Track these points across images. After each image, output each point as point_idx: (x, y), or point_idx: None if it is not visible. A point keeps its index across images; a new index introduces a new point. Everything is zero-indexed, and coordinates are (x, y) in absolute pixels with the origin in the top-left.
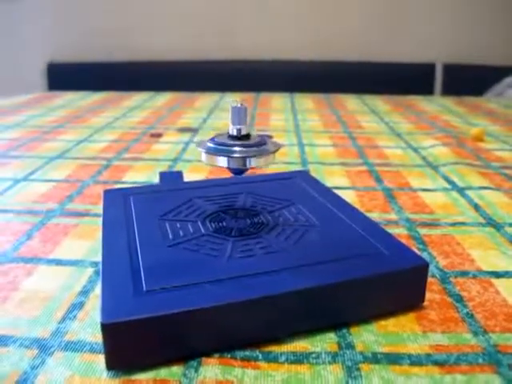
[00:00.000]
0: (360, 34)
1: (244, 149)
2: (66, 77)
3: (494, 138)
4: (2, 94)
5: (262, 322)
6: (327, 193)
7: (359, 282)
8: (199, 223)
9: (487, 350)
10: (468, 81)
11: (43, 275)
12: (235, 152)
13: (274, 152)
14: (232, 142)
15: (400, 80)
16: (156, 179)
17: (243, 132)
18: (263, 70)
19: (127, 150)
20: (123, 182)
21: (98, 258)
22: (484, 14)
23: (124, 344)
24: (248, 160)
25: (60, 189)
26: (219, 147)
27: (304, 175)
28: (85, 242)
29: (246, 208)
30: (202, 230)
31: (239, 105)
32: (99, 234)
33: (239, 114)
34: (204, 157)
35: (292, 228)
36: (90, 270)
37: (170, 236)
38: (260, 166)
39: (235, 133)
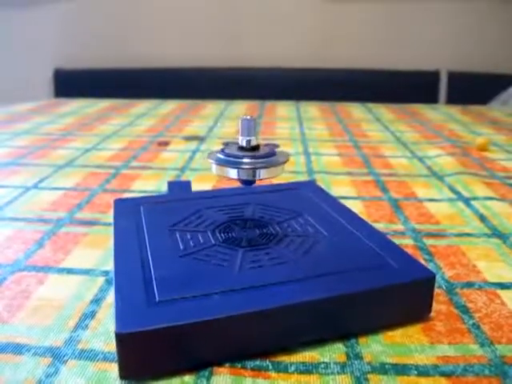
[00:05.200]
0: (364, 42)
1: (254, 160)
2: (72, 84)
3: (498, 148)
4: (10, 101)
5: (272, 333)
6: (335, 203)
7: (368, 294)
8: (209, 233)
9: (494, 361)
10: (473, 89)
11: (55, 284)
12: (245, 164)
13: (284, 163)
14: (242, 154)
15: (404, 88)
16: (164, 188)
17: (252, 143)
18: (269, 77)
19: (135, 159)
20: (132, 191)
21: (109, 267)
22: (490, 22)
23: (137, 353)
24: (258, 171)
25: (69, 197)
26: (229, 159)
27: (311, 185)
28: (95, 251)
29: (255, 219)
30: (212, 241)
31: (248, 117)
32: (109, 243)
33: (248, 126)
34: (214, 168)
35: (301, 239)
36: (100, 279)
37: (181, 246)
38: (269, 178)
39: (245, 144)
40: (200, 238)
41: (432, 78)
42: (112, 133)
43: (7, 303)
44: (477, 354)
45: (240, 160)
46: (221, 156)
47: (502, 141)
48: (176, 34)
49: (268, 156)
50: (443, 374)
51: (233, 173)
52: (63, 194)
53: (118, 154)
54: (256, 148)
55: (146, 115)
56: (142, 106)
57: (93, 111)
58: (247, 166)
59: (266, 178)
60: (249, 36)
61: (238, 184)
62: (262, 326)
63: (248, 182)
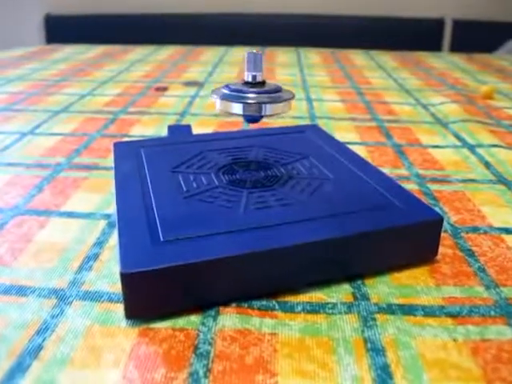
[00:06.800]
0: None
1: (259, 95)
2: (64, 30)
3: (504, 96)
4: None
5: (278, 273)
6: (339, 147)
7: (375, 235)
8: (212, 175)
9: (499, 302)
10: (478, 38)
11: (56, 227)
12: (250, 98)
13: (290, 99)
14: (247, 89)
15: (407, 35)
16: (164, 133)
17: (258, 79)
18: (268, 23)
19: (133, 104)
20: (131, 136)
21: (110, 210)
22: None
23: (143, 293)
24: (264, 106)
25: (67, 142)
26: (234, 93)
27: (315, 129)
28: (96, 195)
29: (259, 161)
30: (216, 182)
31: (255, 51)
32: (109, 187)
33: (255, 61)
34: (218, 103)
35: (306, 181)
36: (102, 223)
37: (184, 188)
38: (275, 114)
39: (250, 79)
40: (203, 179)
41: (436, 25)
42: (108, 78)
43: (9, 247)
44: (482, 296)
45: (245, 95)
46: (225, 91)
47: (507, 89)
48: None
49: (274, 91)
50: (449, 315)
51: (237, 108)
52: (61, 140)
53: (115, 99)
54: (262, 83)
55: (142, 61)
56: (138, 51)
57: (87, 57)
58: (252, 101)
59: (272, 114)
60: None
61: (238, 128)
62: (268, 265)
63: (253, 119)
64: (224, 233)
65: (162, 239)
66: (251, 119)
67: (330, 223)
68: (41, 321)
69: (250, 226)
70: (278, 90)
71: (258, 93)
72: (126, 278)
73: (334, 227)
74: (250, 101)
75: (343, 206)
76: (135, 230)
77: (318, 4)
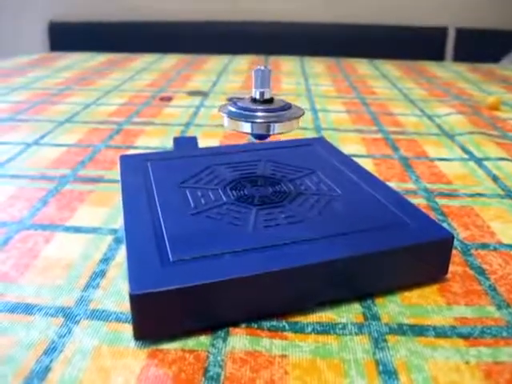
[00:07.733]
0: None
1: (268, 114)
2: (67, 37)
3: (510, 107)
4: (2, 55)
5: (287, 293)
6: (347, 161)
7: (385, 254)
8: (220, 191)
9: (511, 323)
10: (481, 47)
11: (62, 243)
12: (259, 117)
13: (299, 117)
14: (255, 107)
15: (410, 44)
16: (169, 144)
17: (266, 96)
18: (272, 32)
19: (137, 114)
20: (136, 147)
21: (117, 225)
22: None
23: (152, 314)
24: (272, 126)
25: (72, 154)
26: (242, 112)
27: (322, 142)
28: (102, 209)
29: (267, 176)
30: (224, 198)
31: (262, 67)
32: (115, 201)
33: (263, 77)
34: (226, 121)
35: (315, 197)
36: (109, 238)
37: (192, 204)
38: (284, 132)
39: (258, 96)
40: (211, 195)
41: (439, 34)
42: (112, 87)
43: (15, 263)
44: (494, 316)
45: (253, 113)
46: (233, 109)
47: None
48: None
49: (283, 109)
50: (461, 336)
51: (246, 127)
52: (66, 151)
53: (120, 109)
54: (270, 101)
55: (146, 70)
56: (142, 60)
57: (91, 65)
58: (261, 120)
59: (281, 132)
60: None
61: (246, 140)
62: (278, 286)
63: (261, 137)
64: (234, 252)
65: (171, 259)
66: (259, 137)
67: (340, 242)
68: (48, 341)
69: (260, 245)
70: (286, 107)
71: (267, 111)
72: (135, 299)
73: (344, 247)
74: (258, 120)
75: (353, 224)
76: (144, 250)
77: (321, 13)
